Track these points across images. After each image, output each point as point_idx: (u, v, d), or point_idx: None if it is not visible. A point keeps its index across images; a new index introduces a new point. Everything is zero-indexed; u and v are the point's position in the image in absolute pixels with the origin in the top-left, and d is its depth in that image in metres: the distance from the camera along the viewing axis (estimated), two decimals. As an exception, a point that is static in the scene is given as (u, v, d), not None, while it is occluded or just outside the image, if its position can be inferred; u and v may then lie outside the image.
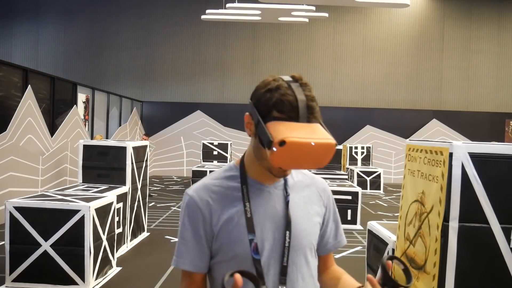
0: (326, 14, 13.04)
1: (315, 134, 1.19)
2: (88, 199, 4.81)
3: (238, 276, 1.07)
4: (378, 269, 1.27)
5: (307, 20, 13.06)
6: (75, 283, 4.52)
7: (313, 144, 1.16)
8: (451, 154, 2.48)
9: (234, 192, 1.30)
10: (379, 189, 12.88)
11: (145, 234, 7.00)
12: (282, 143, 1.14)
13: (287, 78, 1.27)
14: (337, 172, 10.30)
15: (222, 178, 1.34)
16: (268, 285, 1.26)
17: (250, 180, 1.32)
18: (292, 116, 1.21)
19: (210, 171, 11.63)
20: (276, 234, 1.29)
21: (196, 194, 1.30)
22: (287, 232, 1.30)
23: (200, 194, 1.30)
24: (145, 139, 11.32)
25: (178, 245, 1.32)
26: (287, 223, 1.31)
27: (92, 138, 11.57)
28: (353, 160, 13.98)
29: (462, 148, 2.47)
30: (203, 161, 13.30)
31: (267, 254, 1.28)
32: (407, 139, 3.30)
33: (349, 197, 7.98)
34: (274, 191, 1.34)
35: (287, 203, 1.33)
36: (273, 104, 1.22)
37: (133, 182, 6.30)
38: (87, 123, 11.50)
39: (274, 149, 1.15)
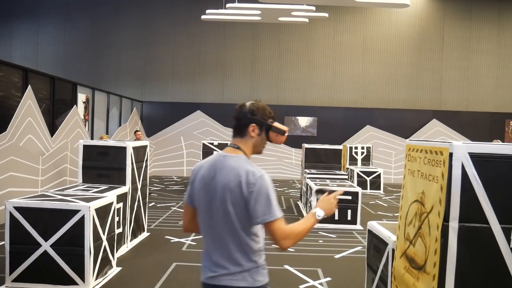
0: (326, 14, 13.04)
1: None
2: (88, 199, 4.81)
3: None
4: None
5: (307, 20, 13.06)
6: (75, 283, 4.53)
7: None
8: (451, 154, 2.48)
9: None
10: (379, 189, 12.88)
11: (145, 234, 7.00)
12: (287, 131, 2.33)
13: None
14: (337, 172, 10.30)
15: (255, 166, 2.19)
16: None
17: None
18: (276, 120, 2.31)
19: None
20: None
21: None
22: None
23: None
24: (139, 136, 11.06)
25: (274, 204, 2.10)
26: None
27: (92, 138, 11.57)
28: (353, 160, 13.98)
29: (462, 148, 2.47)
30: (203, 161, 13.27)
31: None
32: (407, 139, 3.31)
33: (349, 197, 7.98)
34: None
35: None
36: (272, 116, 2.30)
37: (133, 182, 6.30)
38: (87, 123, 11.50)
39: (286, 134, 2.30)
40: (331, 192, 2.39)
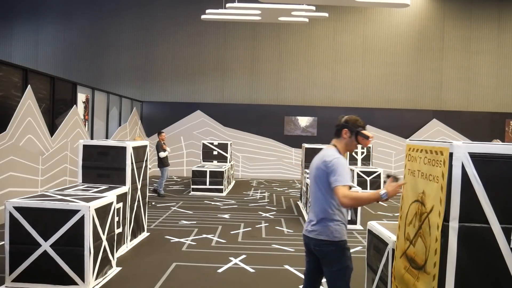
0: (326, 14, 13.03)
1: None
2: (88, 199, 4.80)
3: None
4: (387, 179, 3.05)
5: (307, 20, 13.05)
6: (75, 283, 4.52)
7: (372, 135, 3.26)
8: (451, 154, 2.48)
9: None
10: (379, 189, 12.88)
11: (145, 234, 7.00)
12: (371, 137, 3.22)
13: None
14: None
15: (339, 154, 3.17)
16: None
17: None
18: (365, 128, 3.23)
19: (210, 171, 11.68)
20: None
21: (342, 156, 3.15)
22: None
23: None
24: (162, 138, 11.44)
25: (342, 176, 2.98)
26: None
27: (92, 138, 11.57)
28: (353, 160, 13.97)
29: (462, 148, 2.47)
30: (203, 161, 13.29)
31: None
32: (407, 139, 3.31)
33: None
34: None
35: None
36: (361, 125, 3.22)
37: (133, 182, 6.30)
38: (87, 123, 11.50)
39: (370, 139, 3.20)
40: (395, 178, 3.04)
